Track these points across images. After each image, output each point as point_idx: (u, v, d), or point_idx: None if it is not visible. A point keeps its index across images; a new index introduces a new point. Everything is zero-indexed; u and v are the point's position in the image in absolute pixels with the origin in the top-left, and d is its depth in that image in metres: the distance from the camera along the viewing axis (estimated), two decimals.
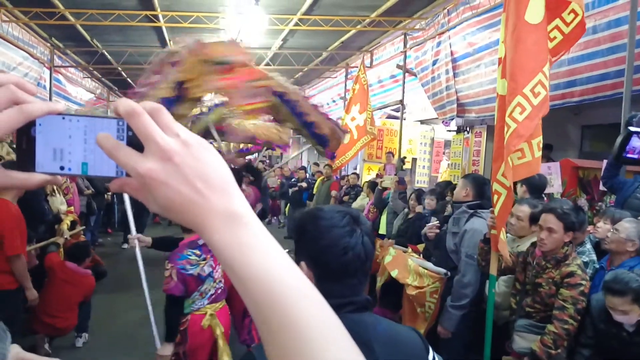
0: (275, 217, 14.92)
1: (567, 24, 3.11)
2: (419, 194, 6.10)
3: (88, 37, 11.34)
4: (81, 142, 0.56)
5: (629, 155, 1.14)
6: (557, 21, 3.12)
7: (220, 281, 3.47)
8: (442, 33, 8.75)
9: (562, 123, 7.71)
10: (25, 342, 4.87)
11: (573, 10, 3.05)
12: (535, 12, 3.06)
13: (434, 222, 4.38)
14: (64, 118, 0.56)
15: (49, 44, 11.38)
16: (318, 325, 0.54)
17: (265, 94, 3.79)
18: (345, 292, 1.37)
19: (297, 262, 1.39)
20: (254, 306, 0.54)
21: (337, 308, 1.29)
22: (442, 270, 3.96)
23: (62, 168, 0.57)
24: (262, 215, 5.45)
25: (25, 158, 0.57)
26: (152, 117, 0.54)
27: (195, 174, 0.53)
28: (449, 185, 6.17)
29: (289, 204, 12.98)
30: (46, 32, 10.89)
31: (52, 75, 11.52)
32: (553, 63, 3.28)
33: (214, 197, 0.54)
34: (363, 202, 8.39)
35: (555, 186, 5.43)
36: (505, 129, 3.11)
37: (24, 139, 0.56)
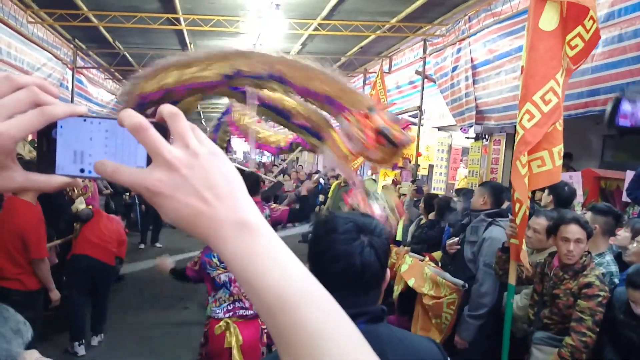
0: (289, 223, 14.92)
1: (587, 31, 3.07)
2: (429, 200, 6.05)
3: (110, 39, 11.50)
4: (102, 145, 0.56)
5: (621, 122, 1.10)
6: (580, 29, 3.08)
7: (240, 300, 3.46)
8: (463, 39, 8.70)
9: (584, 132, 7.60)
10: (47, 341, 4.95)
11: (592, 17, 3.02)
12: (549, 19, 3.03)
13: (455, 239, 4.32)
14: (85, 120, 0.56)
15: (72, 45, 11.56)
16: (335, 335, 0.53)
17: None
18: (347, 303, 1.31)
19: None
20: (268, 317, 0.54)
21: (353, 318, 1.27)
22: (460, 282, 3.91)
23: (82, 171, 0.57)
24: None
25: (45, 160, 0.57)
26: (169, 122, 0.54)
27: (203, 184, 0.53)
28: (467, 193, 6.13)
29: None
30: (70, 33, 11.07)
31: (74, 76, 11.69)
32: (574, 71, 3.24)
33: (223, 207, 0.53)
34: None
35: (577, 196, 5.35)
36: (516, 136, 3.09)
37: (45, 140, 0.57)
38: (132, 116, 0.53)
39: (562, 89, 3.09)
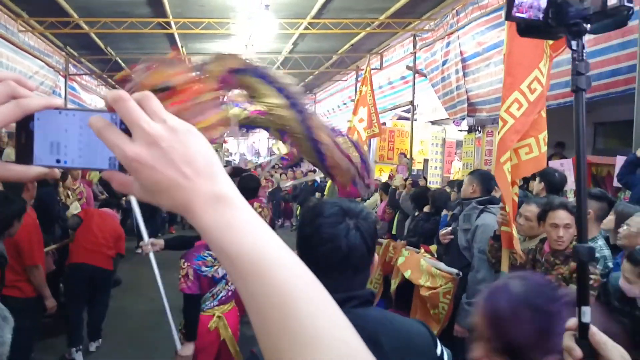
0: (288, 220, 14.97)
1: None
2: (420, 195, 6.12)
3: (102, 45, 11.51)
4: (76, 135, 0.58)
5: (518, 14, 1.13)
6: None
7: (232, 283, 3.48)
8: (451, 33, 8.77)
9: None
10: (45, 347, 4.96)
11: None
12: None
13: (448, 229, 4.36)
14: (60, 112, 0.58)
15: (64, 53, 11.57)
16: (307, 300, 0.54)
17: (214, 106, 3.64)
18: (336, 286, 1.29)
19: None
20: (242, 282, 0.55)
21: (341, 303, 1.31)
22: (454, 271, 3.95)
23: (58, 161, 0.59)
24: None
25: (24, 151, 0.58)
26: (140, 104, 0.55)
27: (182, 158, 0.54)
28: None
29: (299, 207, 13.05)
30: (61, 41, 11.07)
31: (67, 83, 11.71)
32: (554, 59, 3.28)
33: (201, 180, 0.55)
34: (374, 200, 8.42)
35: (568, 182, 5.40)
36: (501, 123, 3.13)
37: (23, 132, 0.58)
38: (113, 90, 0.55)
39: (546, 78, 3.14)
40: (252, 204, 3.88)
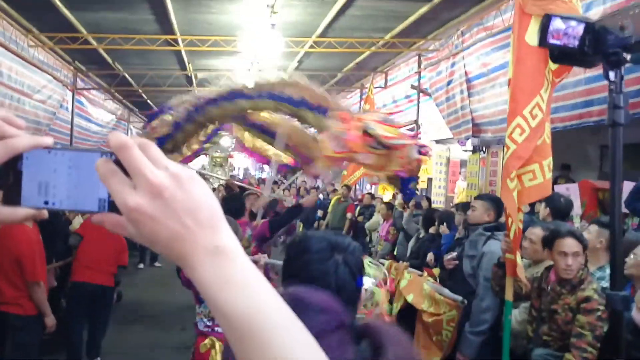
0: (290, 237, 14.90)
1: None
2: (429, 215, 6.07)
3: (110, 61, 11.60)
4: (65, 176, 0.56)
5: (553, 41, 1.10)
6: None
7: None
8: (457, 54, 8.80)
9: (581, 143, 7.65)
10: None
11: None
12: (534, 33, 3.04)
13: (453, 254, 4.31)
14: (49, 152, 0.56)
15: (72, 67, 11.66)
16: None
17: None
18: None
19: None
20: (237, 344, 0.54)
21: None
22: (459, 298, 3.89)
23: (46, 202, 0.57)
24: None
25: (11, 192, 0.57)
26: (117, 154, 0.53)
27: (184, 208, 0.53)
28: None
29: (302, 224, 12.99)
30: (70, 55, 11.17)
31: (74, 97, 11.78)
32: (556, 85, 3.27)
33: (201, 232, 0.53)
34: (376, 220, 8.39)
35: (574, 208, 5.35)
36: (505, 149, 3.11)
37: (11, 173, 0.56)
38: (117, 135, 0.53)
39: (547, 104, 3.12)
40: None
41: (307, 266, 1.31)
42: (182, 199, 0.53)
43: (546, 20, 1.20)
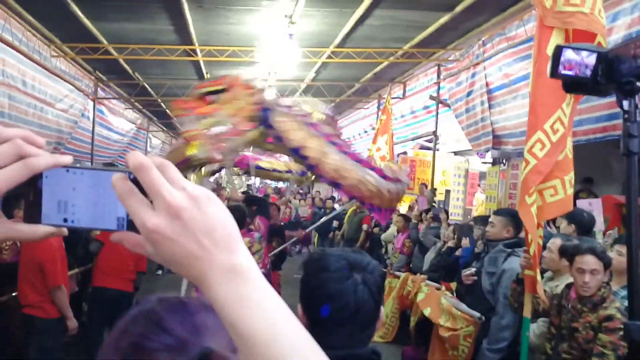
0: (305, 247, 14.87)
1: None
2: (460, 229, 5.95)
3: (130, 71, 11.75)
4: (84, 194, 0.57)
5: (565, 72, 1.06)
6: None
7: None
8: (477, 64, 8.69)
9: (604, 156, 7.47)
10: None
11: (599, 43, 2.97)
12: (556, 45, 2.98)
13: (472, 269, 4.22)
14: (68, 171, 0.57)
15: (93, 77, 11.84)
16: None
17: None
18: (336, 343, 1.26)
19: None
20: None
21: None
22: (476, 314, 3.82)
23: (65, 220, 0.58)
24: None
25: (32, 210, 0.58)
26: (136, 174, 0.54)
27: (201, 229, 0.54)
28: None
29: (317, 235, 12.95)
30: (91, 65, 11.35)
31: (95, 106, 11.94)
32: (581, 98, 3.19)
33: (217, 252, 0.54)
34: (391, 232, 8.30)
35: (597, 223, 5.21)
36: (524, 164, 3.05)
37: (31, 191, 0.57)
38: (135, 155, 0.54)
39: (569, 118, 3.06)
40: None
41: (325, 285, 1.28)
42: (199, 220, 0.54)
43: (557, 51, 1.17)
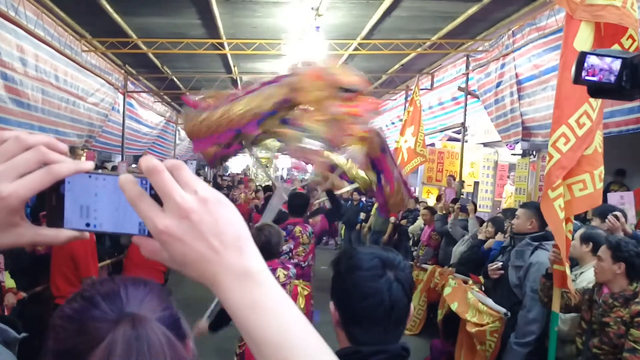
0: (332, 239, 14.91)
1: (626, 50, 2.96)
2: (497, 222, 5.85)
3: (159, 64, 11.90)
4: (106, 200, 0.58)
5: (588, 78, 1.05)
6: (616, 46, 2.98)
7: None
8: (507, 55, 8.53)
9: (637, 148, 7.27)
10: None
11: (631, 36, 2.90)
12: (584, 39, 2.94)
13: (498, 263, 4.18)
14: (90, 176, 0.59)
15: (123, 71, 12.04)
16: None
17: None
18: (370, 339, 1.30)
19: (331, 300, 1.37)
20: None
21: (368, 356, 1.25)
22: (502, 310, 3.79)
23: (87, 225, 0.59)
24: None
25: (55, 214, 0.59)
26: (172, 173, 0.55)
27: (211, 230, 0.54)
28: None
29: (344, 226, 12.96)
30: (121, 60, 11.53)
31: (125, 99, 12.16)
32: None
33: (228, 255, 0.54)
34: (418, 224, 8.27)
35: (629, 217, 5.10)
36: (547, 158, 3.02)
37: (54, 195, 0.59)
38: (147, 159, 0.55)
39: (598, 112, 3.00)
40: (294, 225, 3.83)
41: (360, 283, 1.30)
42: (208, 222, 0.54)
43: (581, 57, 1.16)
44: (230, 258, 0.54)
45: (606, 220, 3.90)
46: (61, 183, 0.58)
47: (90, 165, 0.59)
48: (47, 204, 0.60)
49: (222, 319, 3.31)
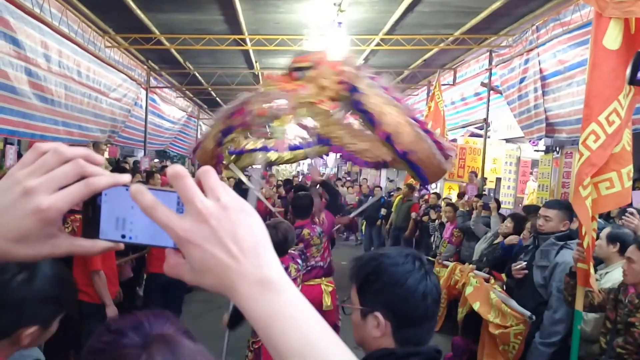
0: (353, 234, 14.92)
1: None
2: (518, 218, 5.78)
3: (181, 60, 12.01)
4: (142, 212, 0.58)
5: None
6: None
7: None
8: (531, 50, 8.41)
9: None
10: None
11: None
12: (614, 37, 2.90)
13: (522, 263, 4.12)
14: (127, 189, 0.59)
15: (145, 67, 12.17)
16: None
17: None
18: (423, 337, 1.35)
19: (366, 312, 1.35)
20: None
21: (403, 358, 1.27)
22: (527, 313, 3.75)
23: (123, 236, 0.60)
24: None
25: (91, 225, 0.60)
26: (200, 178, 0.56)
27: (230, 237, 0.54)
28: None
29: (364, 222, 12.95)
30: (143, 55, 11.66)
31: (147, 95, 12.29)
32: None
33: (247, 262, 0.54)
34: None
35: None
36: (577, 156, 3.00)
37: (90, 207, 0.60)
38: (173, 166, 0.56)
39: (627, 110, 2.97)
40: (302, 228, 3.81)
41: (414, 285, 1.34)
42: (227, 228, 0.54)
43: (637, 58, 1.14)
44: (250, 265, 0.54)
45: (622, 219, 3.85)
46: (98, 195, 0.59)
47: (127, 178, 0.59)
48: (83, 216, 0.60)
49: (238, 316, 3.28)
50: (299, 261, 3.65)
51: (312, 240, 4.62)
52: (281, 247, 3.33)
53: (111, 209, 0.60)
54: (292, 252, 3.68)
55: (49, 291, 1.44)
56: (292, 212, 4.81)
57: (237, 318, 3.29)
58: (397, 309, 1.33)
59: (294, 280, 3.35)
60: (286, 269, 3.25)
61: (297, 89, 3.60)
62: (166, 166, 13.32)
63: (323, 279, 4.61)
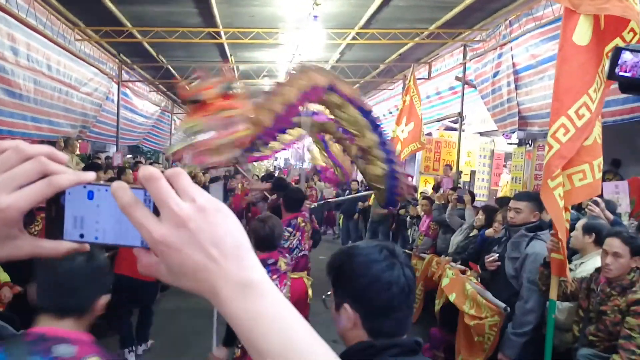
0: (330, 228, 14.95)
1: (627, 43, 2.98)
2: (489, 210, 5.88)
3: (154, 53, 11.83)
4: (107, 211, 0.56)
5: (622, 73, 1.07)
6: (617, 40, 3.00)
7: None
8: (504, 44, 8.53)
9: (632, 138, 7.31)
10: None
11: (632, 29, 2.92)
12: (583, 33, 2.97)
13: (495, 255, 4.19)
14: (107, 189, 0.56)
15: (117, 60, 11.95)
16: None
17: (240, 123, 3.79)
18: (395, 329, 1.34)
19: (339, 304, 1.36)
20: None
21: (382, 350, 1.26)
22: (501, 305, 3.81)
23: (88, 236, 0.58)
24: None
25: (54, 225, 0.57)
26: (171, 181, 0.54)
27: (210, 240, 0.52)
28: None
29: (342, 216, 12.99)
30: (115, 48, 11.44)
31: (119, 89, 12.09)
32: (613, 83, 3.16)
33: (228, 264, 0.53)
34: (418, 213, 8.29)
35: (623, 205, 5.15)
36: (547, 148, 3.06)
37: (54, 207, 0.57)
38: (145, 168, 0.54)
39: (598, 104, 3.03)
40: (296, 218, 3.85)
41: (379, 275, 1.33)
42: (206, 230, 0.52)
43: (616, 53, 1.16)
44: (230, 268, 0.53)
45: (586, 208, 3.96)
46: (61, 194, 0.56)
47: (91, 176, 0.57)
48: (47, 216, 0.57)
49: (232, 332, 3.16)
50: (287, 255, 3.65)
51: (306, 226, 4.69)
52: (270, 242, 3.31)
53: (75, 209, 0.57)
54: (280, 248, 3.68)
55: (104, 263, 1.66)
56: (283, 205, 4.81)
57: (233, 334, 3.16)
58: (362, 299, 1.33)
59: (284, 274, 3.33)
60: (275, 263, 3.24)
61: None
62: (140, 162, 13.13)
63: (305, 272, 4.63)
